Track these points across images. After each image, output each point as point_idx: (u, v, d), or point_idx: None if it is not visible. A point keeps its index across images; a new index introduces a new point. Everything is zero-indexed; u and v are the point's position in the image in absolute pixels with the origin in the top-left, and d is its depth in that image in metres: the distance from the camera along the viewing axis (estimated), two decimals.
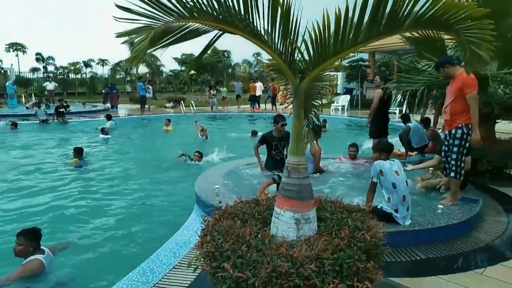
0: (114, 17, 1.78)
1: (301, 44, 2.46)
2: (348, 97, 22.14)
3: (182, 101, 22.74)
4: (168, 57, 52.42)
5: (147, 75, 36.51)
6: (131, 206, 5.82)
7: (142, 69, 36.84)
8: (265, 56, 2.61)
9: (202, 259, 2.53)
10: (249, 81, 28.31)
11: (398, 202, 3.93)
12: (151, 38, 1.86)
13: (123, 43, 1.98)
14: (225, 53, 50.82)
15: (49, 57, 46.68)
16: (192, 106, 20.99)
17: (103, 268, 3.85)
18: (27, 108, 19.56)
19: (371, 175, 4.05)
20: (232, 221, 2.66)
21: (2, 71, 32.87)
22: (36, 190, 6.57)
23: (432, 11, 2.08)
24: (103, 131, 12.35)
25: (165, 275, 3.27)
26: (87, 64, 46.96)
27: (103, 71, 47.62)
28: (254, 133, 11.83)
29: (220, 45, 46.92)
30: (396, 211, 3.94)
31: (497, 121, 6.72)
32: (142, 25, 1.99)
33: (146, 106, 20.98)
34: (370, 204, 4.05)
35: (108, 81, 35.20)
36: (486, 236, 4.19)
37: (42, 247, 3.54)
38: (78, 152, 8.43)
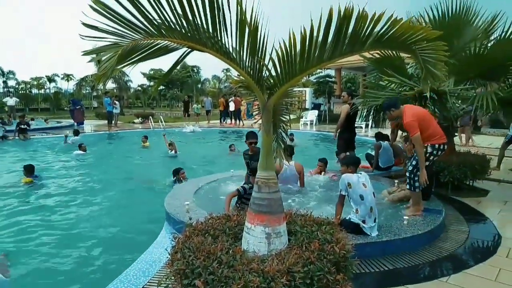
0: (80, 35, 1.77)
1: (268, 62, 2.53)
2: (316, 112, 22.63)
3: (151, 117, 22.48)
4: (137, 72, 51.79)
5: (114, 90, 35.83)
6: (96, 225, 5.60)
7: (109, 84, 36.15)
8: (235, 72, 2.66)
9: (172, 277, 2.50)
10: (219, 96, 28.43)
11: (366, 214, 4.03)
12: (119, 56, 1.86)
13: (90, 61, 1.96)
14: (195, 69, 50.80)
15: (9, 71, 44.82)
16: (161, 122, 20.76)
17: None
18: None
19: (340, 188, 4.15)
20: (203, 238, 2.65)
21: None
22: None
23: (391, 32, 2.20)
24: (81, 147, 11.83)
25: None
26: (50, 79, 45.49)
27: (68, 86, 46.28)
28: (232, 146, 11.81)
29: (190, 60, 46.89)
30: (364, 222, 4.05)
31: (455, 134, 7.09)
32: (109, 42, 1.99)
33: (113, 122, 20.53)
34: (339, 217, 4.14)
35: (73, 96, 34.25)
36: (449, 245, 4.37)
37: None
38: (29, 170, 7.97)
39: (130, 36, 2.05)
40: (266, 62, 2.51)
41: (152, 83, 45.23)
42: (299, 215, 3.19)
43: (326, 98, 24.65)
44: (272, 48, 2.50)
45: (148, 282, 3.38)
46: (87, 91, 39.23)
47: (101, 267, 4.20)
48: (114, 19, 1.94)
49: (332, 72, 25.02)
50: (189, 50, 2.39)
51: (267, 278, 2.14)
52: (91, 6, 1.78)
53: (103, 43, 1.97)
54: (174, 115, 31.27)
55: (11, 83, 43.71)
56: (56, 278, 3.94)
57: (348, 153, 7.07)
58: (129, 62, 2.16)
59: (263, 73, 2.57)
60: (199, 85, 49.35)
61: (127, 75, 36.94)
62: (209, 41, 2.31)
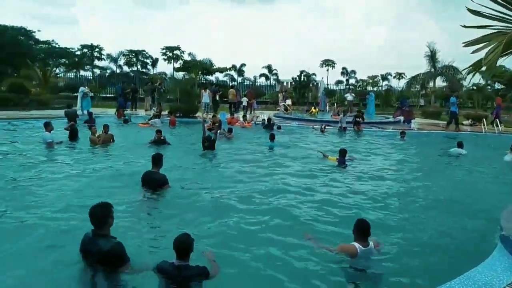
0: (462, 25, 1.66)
1: None
2: None
3: (484, 119, 19.92)
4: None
5: (444, 90, 34.10)
6: (404, 222, 5.58)
7: (440, 82, 34.79)
8: None
9: None
10: None
11: None
12: (504, 45, 1.62)
13: (472, 52, 1.82)
14: None
15: (352, 71, 51.77)
16: (497, 126, 18.03)
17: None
18: (331, 116, 22.83)
19: None
20: None
21: (315, 83, 39.27)
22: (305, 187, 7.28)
23: None
24: (461, 145, 11.70)
25: None
26: (384, 77, 48.99)
27: (399, 84, 48.39)
28: None
29: None
30: None
31: None
32: (491, 31, 1.77)
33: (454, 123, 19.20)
34: None
35: (402, 94, 35.42)
36: None
37: (369, 241, 4.07)
38: (342, 152, 9.25)
39: None
40: None
41: (489, 82, 39.79)
42: None
43: None
44: None
45: None
46: (416, 89, 39.45)
47: (419, 269, 4.14)
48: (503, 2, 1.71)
49: None
50: None
51: None
52: None
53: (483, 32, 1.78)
54: None
55: (352, 81, 50.38)
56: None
57: None
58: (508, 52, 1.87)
59: None
60: None
61: (461, 73, 34.15)
62: None
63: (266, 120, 17.21)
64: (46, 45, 42.42)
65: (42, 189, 6.35)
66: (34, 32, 40.10)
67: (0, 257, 3.98)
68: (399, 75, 50.18)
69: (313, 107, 24.89)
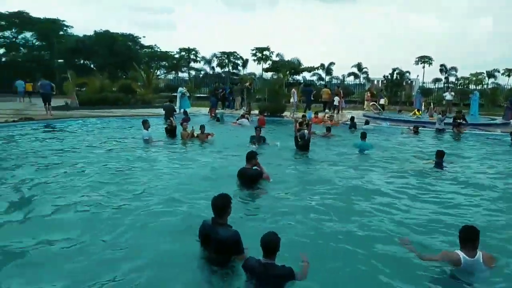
0: None
1: None
2: None
3: None
4: None
5: None
6: None
7: None
8: None
9: None
10: None
11: None
12: None
13: None
14: None
15: (452, 67, 47.46)
16: None
17: None
18: (428, 117, 21.37)
19: None
20: None
21: (409, 81, 36.90)
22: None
23: None
24: None
25: None
26: (490, 74, 44.00)
27: (508, 81, 43.05)
28: None
29: None
30: None
31: None
32: None
33: None
34: None
35: (511, 92, 31.47)
36: None
37: (478, 251, 3.66)
38: (439, 154, 8.80)
39: None
40: None
41: None
42: None
43: None
44: None
45: None
46: None
47: None
48: None
49: None
50: None
51: None
52: None
53: None
54: None
55: (451, 79, 46.21)
56: None
57: None
58: None
59: None
60: None
61: None
62: None
63: (349, 119, 16.89)
64: (149, 50, 46.89)
65: (143, 181, 7.00)
66: (140, 38, 44.75)
67: (121, 243, 4.45)
68: (509, 72, 44.60)
69: (416, 110, 23.39)
